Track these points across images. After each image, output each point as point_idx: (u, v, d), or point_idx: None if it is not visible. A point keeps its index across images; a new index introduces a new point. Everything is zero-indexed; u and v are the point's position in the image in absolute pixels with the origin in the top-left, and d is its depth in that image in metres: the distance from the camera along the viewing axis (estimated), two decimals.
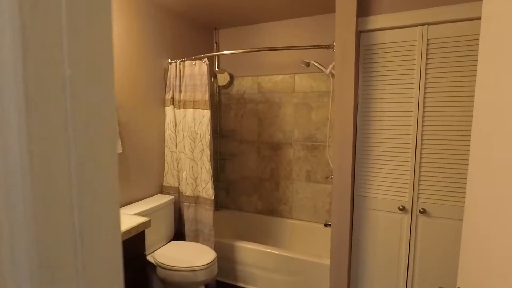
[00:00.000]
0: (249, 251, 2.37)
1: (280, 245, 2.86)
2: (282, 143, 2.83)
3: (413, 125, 1.72)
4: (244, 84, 2.95)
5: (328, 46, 2.00)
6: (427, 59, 1.67)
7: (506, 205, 0.64)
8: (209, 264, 1.94)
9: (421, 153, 1.72)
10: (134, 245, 1.57)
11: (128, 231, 1.51)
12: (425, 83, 1.68)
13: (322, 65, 2.32)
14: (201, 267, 1.90)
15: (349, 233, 1.89)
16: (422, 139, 1.71)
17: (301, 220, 2.82)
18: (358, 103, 1.85)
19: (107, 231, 0.45)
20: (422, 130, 1.71)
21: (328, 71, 2.24)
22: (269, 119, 2.87)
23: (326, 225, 2.35)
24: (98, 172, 0.43)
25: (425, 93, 1.69)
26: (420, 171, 1.73)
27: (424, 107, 1.69)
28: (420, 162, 1.73)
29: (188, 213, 2.36)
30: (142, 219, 1.64)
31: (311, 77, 2.66)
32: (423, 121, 1.70)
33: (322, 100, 2.63)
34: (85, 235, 0.40)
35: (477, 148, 0.78)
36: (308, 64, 2.34)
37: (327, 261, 2.09)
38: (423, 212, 1.73)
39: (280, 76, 2.78)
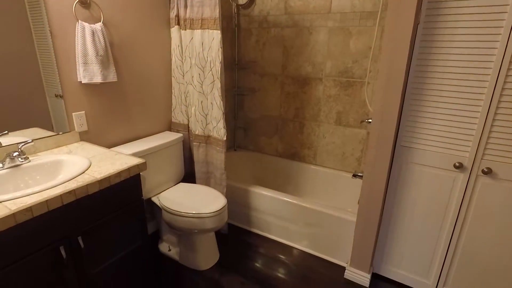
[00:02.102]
0: (265, 198, 2.15)
1: (300, 193, 2.62)
2: (310, 77, 2.38)
3: (497, 60, 1.21)
4: (268, 4, 2.40)
5: None
6: None
7: None
8: (218, 212, 1.73)
9: (500, 98, 1.24)
10: (126, 190, 1.35)
11: (118, 174, 1.28)
12: None
13: None
14: (209, 214, 1.71)
15: (384, 189, 1.55)
16: (506, 78, 1.22)
17: (326, 167, 2.51)
18: (419, 23, 1.33)
19: None
20: (510, 67, 1.20)
21: None
22: (296, 48, 2.38)
23: (355, 175, 2.02)
24: None
25: None
26: (494, 121, 1.28)
27: None
28: (497, 109, 1.26)
29: (198, 153, 2.11)
30: (136, 161, 1.39)
31: None
32: None
33: (365, 24, 2.07)
34: None
35: None
36: None
37: (352, 217, 1.82)
38: (488, 172, 1.33)
39: None
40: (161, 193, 1.94)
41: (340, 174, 2.41)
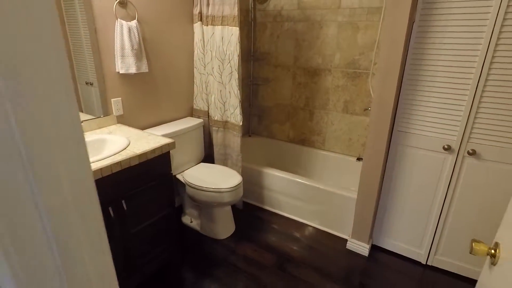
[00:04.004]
0: (276, 178, 2.39)
1: (310, 175, 2.84)
2: (320, 69, 2.56)
3: (481, 54, 1.38)
4: None
5: None
6: None
7: None
8: (235, 187, 1.98)
9: (484, 87, 1.42)
10: (159, 164, 1.61)
11: (153, 150, 1.53)
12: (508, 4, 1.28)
13: None
14: (227, 189, 1.96)
15: (381, 169, 1.76)
16: (489, 71, 1.39)
17: (333, 152, 2.71)
18: (414, 21, 1.50)
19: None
20: (492, 61, 1.37)
21: None
22: (307, 41, 2.56)
23: (359, 159, 2.22)
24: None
25: (505, 13, 1.30)
26: (478, 107, 1.45)
27: (500, 31, 1.33)
28: (481, 98, 1.44)
29: (217, 137, 2.36)
30: (167, 140, 1.64)
31: None
32: (495, 49, 1.35)
33: (371, 19, 2.23)
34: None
35: None
36: None
37: (354, 195, 2.03)
38: (472, 153, 1.51)
39: None
40: (185, 171, 2.20)
41: (346, 158, 2.61)
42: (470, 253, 0.72)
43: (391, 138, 1.73)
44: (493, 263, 0.70)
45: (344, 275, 1.83)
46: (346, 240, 2.11)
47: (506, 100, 1.39)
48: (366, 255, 1.97)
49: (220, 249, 2.05)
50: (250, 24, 2.79)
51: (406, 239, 1.88)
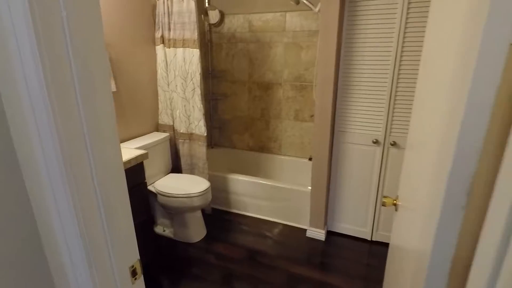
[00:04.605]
0: (240, 182, 2.64)
1: (270, 178, 3.14)
2: (272, 83, 2.91)
3: (391, 67, 1.81)
4: (235, 23, 2.91)
5: None
6: (409, 2, 1.69)
7: (419, 145, 0.80)
8: (204, 192, 2.19)
9: (396, 92, 1.84)
10: (134, 175, 1.77)
11: (128, 161, 1.70)
12: (405, 27, 1.73)
13: (311, 3, 2.29)
14: (197, 194, 2.16)
15: (328, 165, 2.10)
16: (398, 79, 1.82)
17: (289, 156, 3.05)
18: (341, 43, 1.90)
19: (111, 156, 0.60)
20: (399, 72, 1.80)
21: (317, 9, 2.22)
22: (259, 59, 2.90)
23: (310, 159, 2.57)
24: (99, 101, 0.56)
25: (404, 37, 1.75)
26: (394, 108, 1.87)
27: (402, 51, 1.77)
28: (395, 100, 1.86)
29: (183, 148, 2.55)
30: (140, 152, 1.82)
31: (301, 15, 2.63)
32: (400, 64, 1.79)
33: (312, 40, 2.64)
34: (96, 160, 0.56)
35: (417, 94, 0.91)
36: (297, 2, 2.31)
37: (308, 189, 2.35)
38: (394, 144, 1.93)
39: (271, 14, 2.74)
40: (155, 182, 2.35)
41: (300, 159, 2.96)
42: (382, 205, 1.04)
43: (333, 137, 2.10)
44: (396, 210, 1.03)
45: (307, 258, 2.12)
46: (305, 230, 2.41)
47: (411, 101, 1.82)
48: (323, 239, 2.29)
49: (195, 250, 2.22)
50: (207, 45, 3.07)
51: (353, 221, 2.24)
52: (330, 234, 2.36)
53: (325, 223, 2.33)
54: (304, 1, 2.29)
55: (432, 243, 0.45)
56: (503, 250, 0.36)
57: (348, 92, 1.97)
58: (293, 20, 2.67)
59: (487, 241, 0.39)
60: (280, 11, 2.69)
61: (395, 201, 1.03)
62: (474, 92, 0.36)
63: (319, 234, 2.30)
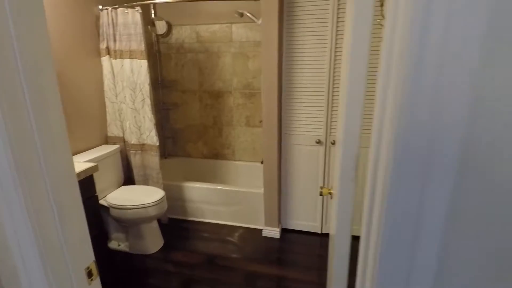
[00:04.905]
0: (196, 190, 2.67)
1: (226, 183, 3.21)
2: (222, 91, 3.01)
3: (327, 72, 2.03)
4: (183, 33, 2.97)
5: None
6: (338, 13, 1.92)
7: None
8: (159, 201, 2.19)
9: (333, 95, 2.06)
10: (84, 188, 1.73)
11: (77, 174, 1.66)
12: (336, 35, 1.96)
13: (254, 16, 2.45)
14: (152, 204, 2.15)
15: (277, 166, 2.25)
16: (333, 83, 2.04)
17: (243, 161, 3.15)
18: (283, 53, 2.07)
19: (62, 163, 0.65)
20: (334, 77, 2.02)
21: (259, 21, 2.39)
22: (209, 69, 2.99)
23: (262, 162, 2.69)
24: (50, 114, 0.61)
25: (336, 44, 1.97)
26: (332, 110, 2.09)
27: (335, 56, 1.99)
28: (333, 102, 2.07)
29: (135, 160, 2.52)
30: (89, 164, 1.78)
31: (247, 27, 2.78)
32: (334, 69, 2.01)
33: (257, 50, 2.81)
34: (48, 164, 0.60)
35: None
36: (241, 15, 2.46)
37: (262, 191, 2.47)
38: (334, 143, 2.13)
39: (217, 26, 2.85)
40: (107, 196, 2.29)
41: (253, 164, 3.08)
42: (320, 195, 1.19)
43: (281, 140, 2.25)
44: (331, 198, 1.18)
45: (264, 256, 2.22)
46: (261, 230, 2.52)
47: None
48: (278, 237, 2.42)
49: (152, 261, 2.20)
50: (155, 55, 3.07)
51: (305, 217, 2.41)
52: (284, 231, 2.50)
53: (279, 222, 2.46)
54: (248, 14, 2.45)
55: (335, 211, 0.57)
56: (371, 212, 0.48)
57: (291, 97, 2.14)
58: (239, 31, 2.81)
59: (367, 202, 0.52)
60: (226, 23, 2.82)
61: (330, 190, 1.18)
62: (350, 91, 0.49)
63: (274, 232, 2.43)
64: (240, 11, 2.44)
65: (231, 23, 2.81)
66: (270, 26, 1.96)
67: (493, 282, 0.41)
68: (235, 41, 2.85)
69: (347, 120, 0.49)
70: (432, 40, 0.32)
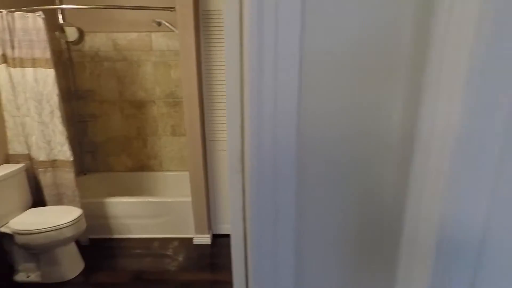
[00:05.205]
0: (120, 205, 2.53)
1: (155, 195, 3.10)
2: (145, 101, 2.93)
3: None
4: (97, 41, 2.81)
5: (173, 8, 2.16)
6: None
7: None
8: (75, 220, 2.02)
9: None
10: None
11: None
12: None
13: (172, 25, 2.47)
14: (66, 224, 1.97)
15: (203, 172, 2.28)
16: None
17: (171, 171, 3.09)
18: (201, 62, 2.14)
19: None
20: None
21: (177, 31, 2.41)
22: (129, 78, 2.88)
23: None
24: None
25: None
26: None
27: None
28: None
29: (45, 178, 2.28)
30: None
31: (167, 36, 2.77)
32: None
33: (179, 59, 2.81)
34: None
35: None
36: (159, 24, 2.45)
37: (190, 199, 2.47)
38: None
39: (136, 34, 2.78)
40: (10, 222, 2.02)
41: (182, 173, 3.05)
42: None
43: (205, 147, 2.30)
44: None
45: (196, 264, 2.21)
46: (192, 238, 2.50)
47: None
48: (210, 243, 2.44)
49: (70, 287, 2.01)
50: (66, 64, 2.84)
51: None
52: (215, 237, 2.53)
53: (210, 228, 2.48)
54: (166, 24, 2.45)
55: (231, 203, 0.64)
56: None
57: (213, 105, 2.21)
58: (159, 40, 2.78)
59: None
60: (145, 31, 2.77)
61: None
62: (229, 92, 0.58)
63: (205, 239, 2.44)
64: (158, 20, 2.43)
65: (150, 31, 2.77)
66: (187, 36, 2.00)
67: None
68: (155, 50, 2.81)
69: (228, 116, 0.57)
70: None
